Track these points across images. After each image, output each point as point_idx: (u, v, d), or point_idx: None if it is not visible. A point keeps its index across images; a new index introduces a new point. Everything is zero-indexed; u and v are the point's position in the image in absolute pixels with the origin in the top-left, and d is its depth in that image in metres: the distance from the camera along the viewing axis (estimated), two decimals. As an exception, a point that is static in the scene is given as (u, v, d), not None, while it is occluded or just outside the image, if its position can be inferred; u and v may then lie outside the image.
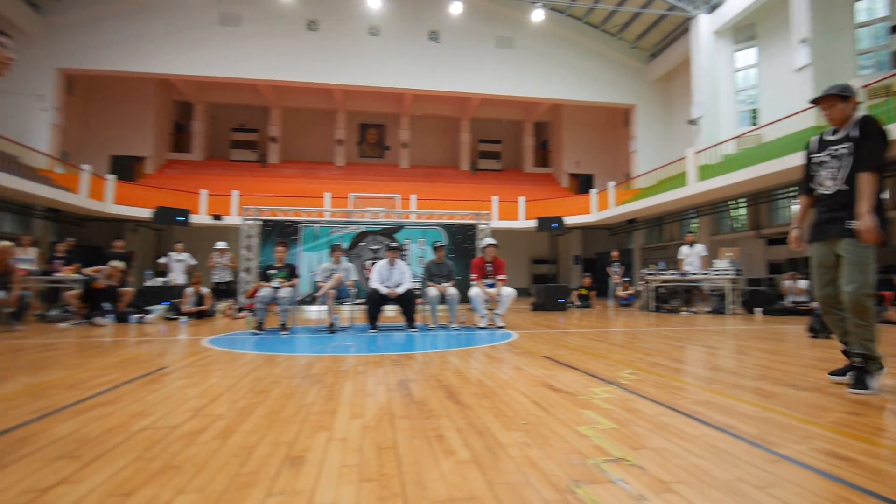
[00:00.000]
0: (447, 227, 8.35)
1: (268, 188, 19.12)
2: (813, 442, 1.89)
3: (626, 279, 13.28)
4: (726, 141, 13.48)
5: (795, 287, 9.66)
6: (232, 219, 16.18)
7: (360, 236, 7.99)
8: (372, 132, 25.15)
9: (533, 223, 18.17)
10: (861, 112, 2.73)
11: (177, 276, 10.38)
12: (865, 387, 2.60)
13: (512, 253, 21.54)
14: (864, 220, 2.50)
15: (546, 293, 10.98)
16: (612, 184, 17.89)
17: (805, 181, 2.95)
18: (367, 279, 6.98)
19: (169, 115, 22.35)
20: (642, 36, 20.05)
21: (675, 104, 20.26)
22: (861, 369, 2.65)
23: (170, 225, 16.50)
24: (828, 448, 1.82)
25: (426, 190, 20.45)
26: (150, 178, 19.75)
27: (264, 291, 6.08)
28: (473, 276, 6.89)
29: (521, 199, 19.11)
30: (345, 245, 7.79)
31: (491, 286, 6.82)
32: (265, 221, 7.87)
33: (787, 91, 13.94)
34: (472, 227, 8.44)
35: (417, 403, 2.52)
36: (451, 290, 6.63)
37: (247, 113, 23.47)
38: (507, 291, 6.75)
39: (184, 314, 8.12)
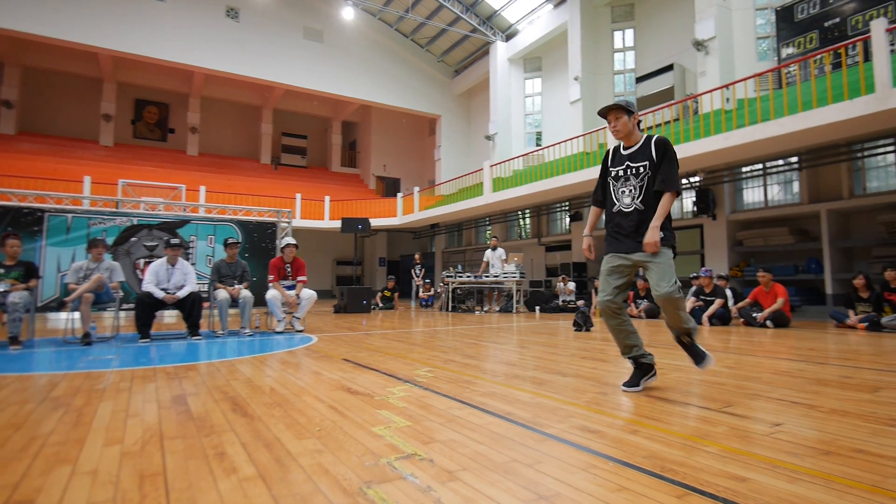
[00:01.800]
0: (243, 223, 7.67)
1: (-2, 165, 15.08)
2: (572, 420, 2.21)
3: (428, 281, 14.04)
4: (515, 158, 15.30)
5: (566, 288, 11.46)
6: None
7: (132, 230, 6.81)
8: (151, 110, 21.78)
9: (338, 224, 17.95)
10: (649, 133, 2.91)
11: None
12: (704, 354, 2.78)
13: (316, 253, 20.99)
14: (651, 234, 2.68)
15: (350, 295, 10.93)
16: (417, 189, 18.75)
17: (597, 193, 3.07)
18: (141, 280, 5.97)
19: None
20: (448, 52, 21.50)
21: (475, 119, 22.25)
22: (690, 344, 2.81)
23: None
24: (583, 424, 2.15)
25: (219, 182, 18.57)
26: None
27: (-15, 296, 4.72)
28: (271, 277, 6.45)
29: (327, 199, 18.72)
30: (109, 240, 6.55)
31: (290, 288, 6.48)
32: (-9, 206, 6.15)
33: (564, 118, 16.50)
34: (273, 225, 7.92)
35: (196, 420, 2.22)
36: (245, 293, 6.09)
37: (-32, 66, 18.16)
38: (307, 294, 6.49)
39: None
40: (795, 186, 10.31)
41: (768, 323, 6.98)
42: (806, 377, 3.20)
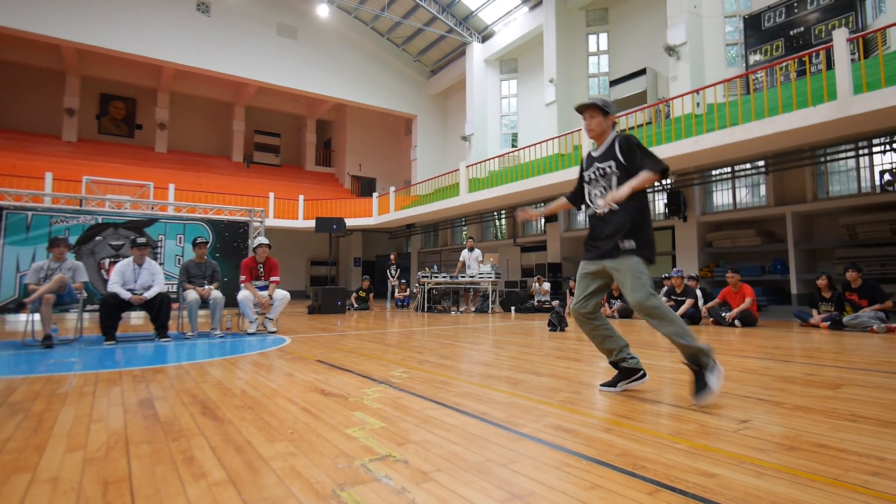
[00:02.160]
0: (214, 222, 7.51)
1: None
2: (546, 419, 2.22)
3: (403, 281, 13.98)
4: (491, 158, 15.35)
5: (541, 289, 11.55)
6: None
7: (96, 229, 6.58)
8: (118, 105, 21.10)
9: (312, 223, 17.74)
10: (617, 132, 2.85)
11: None
12: (706, 386, 2.43)
13: (289, 253, 20.68)
14: (620, 191, 2.55)
15: (324, 295, 10.80)
16: (392, 189, 18.67)
17: (574, 191, 3.04)
18: (106, 281, 5.78)
19: None
20: (424, 51, 21.44)
21: (451, 120, 22.26)
22: (697, 373, 2.49)
23: None
24: (557, 423, 2.16)
25: (188, 179, 18.12)
26: None
27: (-62, 296, 4.50)
28: (243, 277, 6.32)
29: (301, 198, 18.46)
30: (72, 239, 6.32)
31: (263, 289, 6.36)
32: (-55, 203, 5.86)
33: (539, 120, 16.64)
34: (245, 225, 7.77)
35: (163, 424, 2.15)
36: (215, 293, 5.95)
37: (-79, 55, 17.30)
38: (280, 294, 6.39)
39: None
40: (762, 189, 10.63)
41: (736, 322, 7.18)
42: (771, 375, 3.29)
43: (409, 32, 20.50)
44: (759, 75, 10.23)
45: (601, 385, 2.87)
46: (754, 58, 10.85)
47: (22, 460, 1.71)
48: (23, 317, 5.89)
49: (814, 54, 8.63)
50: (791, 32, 10.23)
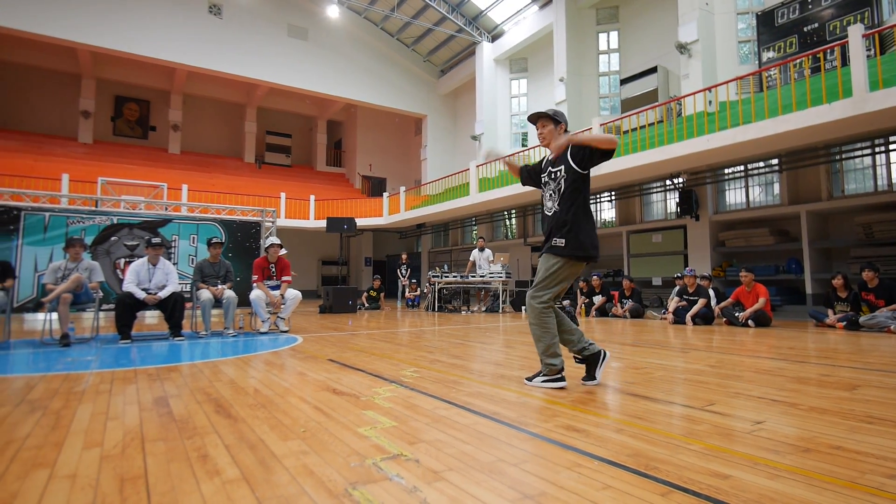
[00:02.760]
0: (227, 223, 7.57)
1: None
2: (557, 419, 2.22)
3: (414, 281, 14.01)
4: (501, 158, 15.28)
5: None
6: None
7: (112, 229, 6.67)
8: (132, 107, 21.38)
9: (323, 223, 17.84)
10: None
11: None
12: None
13: (301, 253, 20.81)
14: (563, 140, 2.80)
15: (335, 295, 10.86)
16: (403, 189, 18.71)
17: (529, 171, 3.23)
18: (121, 280, 5.87)
19: None
20: (434, 51, 21.47)
21: (461, 119, 22.26)
22: (589, 364, 2.95)
23: None
24: (568, 423, 2.16)
25: (201, 180, 18.32)
26: None
27: (-41, 296, 4.60)
28: (255, 277, 6.38)
29: (312, 198, 18.57)
30: (88, 239, 6.42)
31: (275, 288, 6.42)
32: (-36, 204, 5.98)
33: (548, 120, 16.51)
34: (257, 225, 7.84)
35: (178, 422, 2.18)
36: (228, 293, 6.01)
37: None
38: (292, 294, 6.44)
39: None
40: (776, 188, 10.50)
41: (750, 322, 7.10)
42: (786, 376, 3.26)
43: (419, 32, 20.52)
44: (772, 72, 10.10)
45: (583, 381, 2.97)
46: (767, 55, 10.72)
47: (41, 456, 1.74)
48: (41, 316, 6.01)
49: (829, 51, 8.52)
50: (805, 29, 10.09)
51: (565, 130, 3.00)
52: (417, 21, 19.37)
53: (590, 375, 2.97)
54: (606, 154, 2.73)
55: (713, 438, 1.92)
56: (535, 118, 3.02)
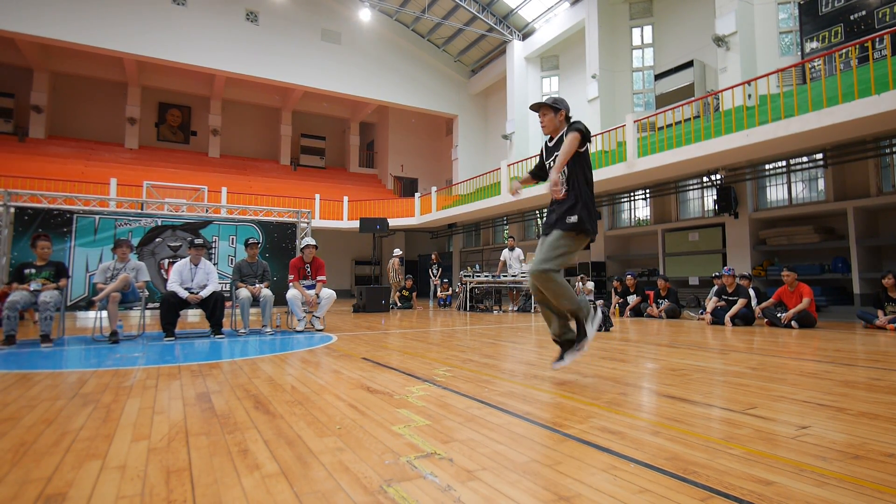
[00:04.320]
0: (264, 224, 7.78)
1: (27, 168, 15.54)
2: (592, 421, 2.20)
3: (445, 280, 14.05)
4: (533, 157, 15.22)
5: (585, 287, 11.34)
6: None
7: (156, 231, 6.96)
8: (174, 113, 22.22)
9: (356, 224, 18.10)
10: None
11: None
12: (585, 336, 3.00)
13: (334, 253, 21.16)
14: (551, 174, 2.87)
15: (368, 294, 11.00)
16: (434, 189, 18.78)
17: (536, 167, 3.32)
18: (165, 280, 6.10)
19: None
20: (465, 51, 21.48)
21: (492, 118, 22.18)
22: (579, 326, 3.02)
23: None
24: (603, 425, 2.13)
25: (240, 183, 18.88)
26: None
27: (15, 295, 4.87)
28: (291, 276, 6.53)
29: (345, 199, 18.87)
30: (134, 241, 6.71)
31: (310, 287, 6.55)
32: (22, 209, 6.33)
33: (581, 117, 16.26)
34: (292, 226, 8.02)
35: (220, 417, 2.26)
36: (265, 292, 6.18)
37: None
38: (327, 293, 6.56)
39: None
40: (820, 184, 10.06)
41: (793, 323, 6.84)
42: (833, 379, 3.12)
43: (450, 33, 20.56)
44: (816, 63, 9.68)
45: (553, 363, 3.08)
46: (811, 45, 10.28)
47: (93, 448, 1.84)
48: (92, 314, 6.33)
49: (877, 39, 8.09)
50: (851, 17, 9.62)
51: (566, 117, 3.10)
52: (448, 21, 19.41)
53: (560, 357, 3.07)
54: (585, 142, 2.93)
55: (755, 443, 1.86)
56: (536, 107, 3.16)
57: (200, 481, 1.52)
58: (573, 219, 2.90)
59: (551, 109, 3.08)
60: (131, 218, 6.89)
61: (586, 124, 3.02)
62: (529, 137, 18.95)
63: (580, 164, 2.99)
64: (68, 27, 15.23)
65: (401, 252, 13.63)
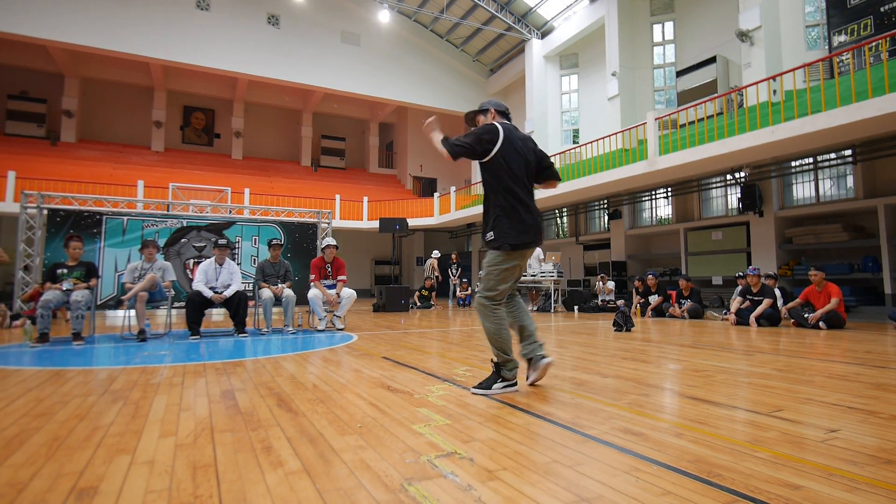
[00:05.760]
0: (285, 224, 7.89)
1: (59, 171, 16.01)
2: (613, 422, 2.18)
3: (465, 280, 14.05)
4: (552, 156, 15.11)
5: (605, 287, 11.24)
6: (6, 205, 13.21)
7: (182, 232, 7.12)
8: (199, 116, 22.67)
9: (376, 224, 18.22)
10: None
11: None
12: (489, 386, 2.73)
13: (354, 253, 21.34)
14: (426, 126, 2.91)
15: (388, 294, 11.07)
16: (453, 188, 18.79)
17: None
18: (191, 280, 6.23)
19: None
20: (483, 51, 21.43)
21: (511, 118, 22.02)
22: (494, 369, 2.80)
23: None
24: (624, 426, 2.11)
25: (262, 184, 19.17)
26: None
27: (49, 295, 5.04)
28: (312, 276, 6.61)
29: (365, 199, 19.01)
30: (161, 241, 6.87)
31: (331, 287, 6.62)
32: (54, 210, 6.54)
33: (601, 115, 16.16)
34: (313, 226, 8.11)
35: (244, 414, 2.31)
36: (287, 292, 6.27)
37: (31, 78, 19.32)
38: (348, 293, 6.63)
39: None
40: (849, 181, 9.77)
41: (821, 324, 6.66)
42: (863, 381, 3.04)
43: (468, 33, 20.53)
44: (844, 57, 9.40)
45: (472, 388, 2.81)
46: (839, 39, 9.99)
47: (123, 443, 1.89)
48: (120, 312, 6.50)
49: (912, 31, 7.81)
50: (882, 9, 9.31)
51: (493, 116, 3.03)
52: (466, 21, 19.39)
53: (484, 384, 2.79)
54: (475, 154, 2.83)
55: (782, 446, 1.82)
56: (468, 116, 3.15)
57: (225, 477, 1.55)
58: (489, 236, 2.81)
59: (479, 114, 3.09)
60: (158, 219, 7.06)
61: (485, 131, 2.85)
62: (548, 136, 18.81)
63: (490, 174, 2.83)
64: (98, 34, 15.68)
65: (439, 254, 14.13)
